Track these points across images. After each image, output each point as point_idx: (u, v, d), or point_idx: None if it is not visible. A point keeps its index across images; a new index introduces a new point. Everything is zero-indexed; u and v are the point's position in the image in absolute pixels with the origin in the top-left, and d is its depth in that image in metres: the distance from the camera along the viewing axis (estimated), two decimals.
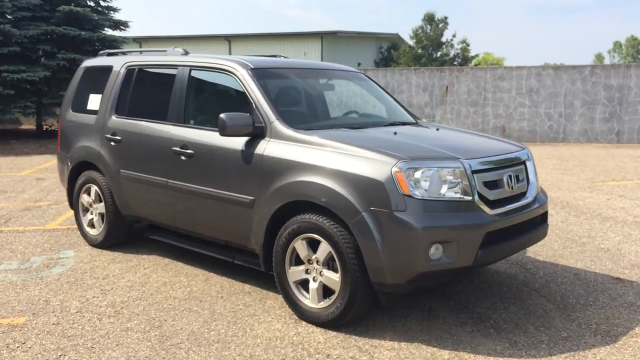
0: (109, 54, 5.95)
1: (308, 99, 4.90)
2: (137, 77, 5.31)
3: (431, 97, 17.48)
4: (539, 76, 16.60)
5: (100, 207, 5.58)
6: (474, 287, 4.64)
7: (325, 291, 3.82)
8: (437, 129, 4.73)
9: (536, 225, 4.18)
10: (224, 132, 4.07)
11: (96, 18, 17.21)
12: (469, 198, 3.58)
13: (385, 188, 3.46)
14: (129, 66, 5.40)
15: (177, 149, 4.64)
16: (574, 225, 6.71)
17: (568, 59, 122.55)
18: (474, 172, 3.66)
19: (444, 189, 3.54)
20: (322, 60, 31.52)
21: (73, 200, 5.90)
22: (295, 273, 3.94)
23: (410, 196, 3.44)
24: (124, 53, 5.89)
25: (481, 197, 3.65)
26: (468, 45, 40.30)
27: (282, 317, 3.99)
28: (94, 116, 5.59)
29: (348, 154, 3.69)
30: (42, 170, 10.80)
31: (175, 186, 4.71)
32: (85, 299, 4.32)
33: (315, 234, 3.75)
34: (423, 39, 39.15)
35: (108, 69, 5.60)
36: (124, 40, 17.99)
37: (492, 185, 3.77)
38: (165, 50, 5.26)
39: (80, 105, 5.84)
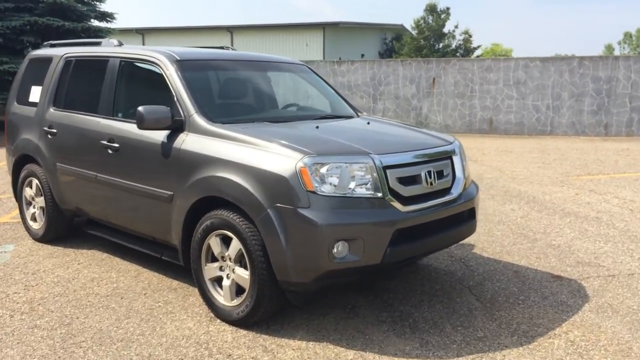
0: (52, 45, 5.86)
1: (238, 92, 4.77)
2: (74, 68, 5.22)
3: (418, 89, 17.31)
4: (526, 68, 16.40)
5: (41, 200, 5.51)
6: (407, 284, 4.55)
7: (239, 289, 3.74)
8: (368, 123, 4.62)
9: (462, 221, 4.07)
10: (141, 125, 3.98)
11: (81, 9, 17.08)
12: (379, 194, 3.48)
13: (289, 184, 3.37)
14: (67, 57, 5.32)
15: (105, 142, 4.55)
16: (533, 221, 6.59)
17: (578, 49, 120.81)
18: (387, 167, 3.55)
19: (352, 185, 3.44)
20: (324, 52, 31.42)
21: (17, 193, 5.84)
22: (210, 270, 3.86)
23: (314, 192, 3.35)
24: (67, 44, 5.79)
25: (394, 193, 3.54)
26: (470, 36, 40.02)
27: (198, 315, 3.91)
28: (34, 108, 5.51)
29: (258, 148, 3.59)
30: None
31: (104, 180, 4.63)
32: (5, 294, 4.26)
33: (226, 230, 3.67)
34: (425, 29, 38.82)
35: (48, 60, 5.52)
36: (109, 31, 17.87)
37: (407, 181, 3.66)
38: (100, 42, 5.16)
39: (23, 97, 5.77)
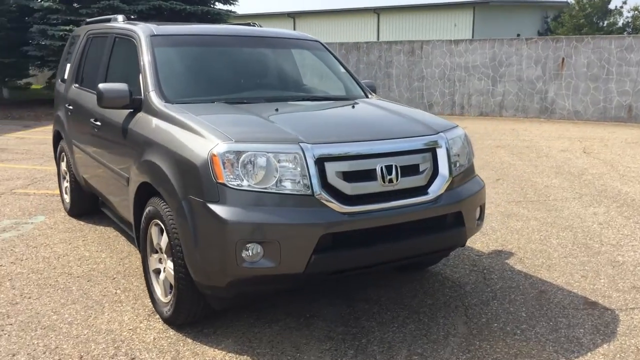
0: (87, 23, 5.92)
1: (217, 71, 4.26)
2: (90, 45, 5.21)
3: (544, 71, 15.56)
4: None
5: (69, 175, 5.64)
6: (396, 294, 3.90)
7: (171, 285, 3.40)
8: (353, 107, 3.97)
9: (441, 228, 3.34)
10: (101, 104, 3.78)
11: None
12: (307, 191, 2.92)
13: (199, 173, 2.94)
14: (88, 35, 5.32)
15: (93, 120, 4.46)
16: (611, 229, 5.45)
17: None
18: (324, 159, 2.97)
19: (274, 178, 2.92)
20: (473, 32, 29.74)
21: (57, 167, 6.06)
22: (153, 261, 3.58)
23: (225, 185, 2.89)
24: (97, 21, 5.79)
25: (331, 190, 2.96)
26: None
27: (143, 307, 3.65)
28: (65, 85, 5.63)
29: (187, 131, 3.20)
30: None
31: (95, 159, 4.56)
32: None
33: (158, 219, 3.34)
34: (587, 6, 34.98)
35: (78, 37, 5.59)
36: (228, 14, 18.31)
37: (354, 176, 3.03)
38: (110, 19, 5.06)
39: (62, 75, 5.92)
